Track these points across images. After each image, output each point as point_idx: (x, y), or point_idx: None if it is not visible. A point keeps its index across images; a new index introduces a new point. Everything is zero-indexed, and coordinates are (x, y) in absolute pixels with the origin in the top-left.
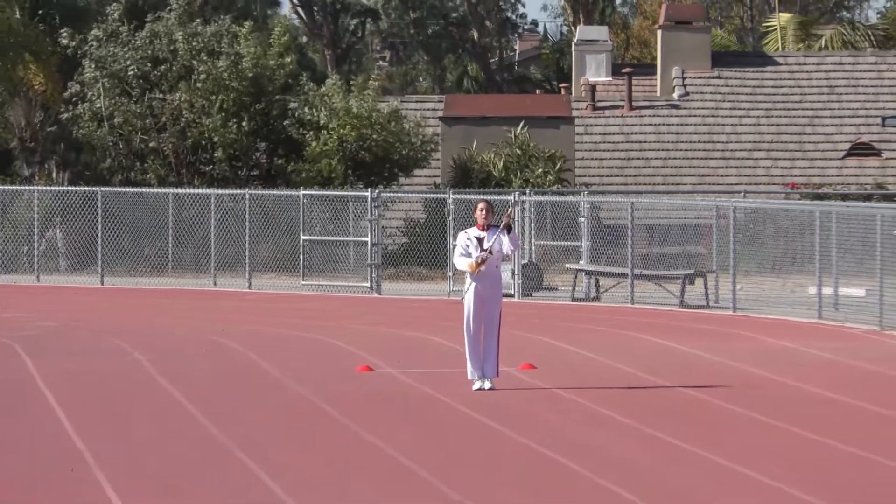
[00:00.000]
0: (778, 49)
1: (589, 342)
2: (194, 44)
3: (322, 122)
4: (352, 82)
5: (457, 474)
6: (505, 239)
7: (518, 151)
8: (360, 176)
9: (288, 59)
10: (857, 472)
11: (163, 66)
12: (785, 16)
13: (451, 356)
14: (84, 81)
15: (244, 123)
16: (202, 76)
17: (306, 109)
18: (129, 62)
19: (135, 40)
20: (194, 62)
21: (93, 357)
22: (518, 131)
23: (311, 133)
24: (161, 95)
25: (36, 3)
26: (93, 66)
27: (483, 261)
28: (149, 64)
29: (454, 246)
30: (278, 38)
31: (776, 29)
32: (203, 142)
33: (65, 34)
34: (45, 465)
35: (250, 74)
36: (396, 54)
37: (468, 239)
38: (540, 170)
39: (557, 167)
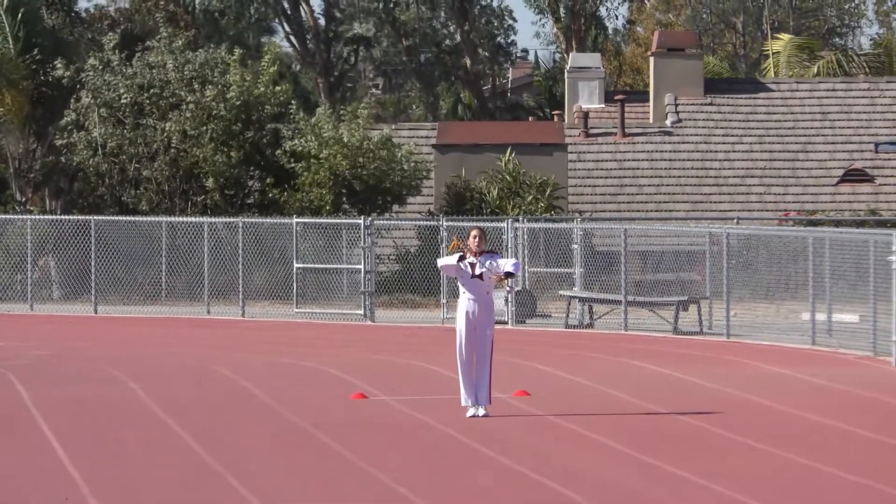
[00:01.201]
0: (779, 73)
1: (583, 369)
2: (185, 72)
3: (312, 152)
4: (342, 111)
5: (451, 501)
6: (502, 261)
7: (508, 178)
8: (353, 203)
9: (279, 88)
10: (851, 498)
11: (152, 92)
12: (785, 37)
13: (445, 383)
14: (79, 110)
15: (233, 153)
16: (191, 105)
17: (297, 140)
18: (122, 90)
19: (126, 69)
20: (183, 92)
21: (87, 385)
22: (506, 158)
23: (303, 163)
24: (153, 124)
25: (28, 36)
26: (89, 95)
27: (459, 249)
28: (141, 93)
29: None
30: (267, 67)
31: (775, 53)
32: (195, 171)
33: (59, 65)
34: (39, 493)
35: (238, 103)
36: (389, 82)
37: (462, 265)
38: (531, 197)
39: (548, 194)
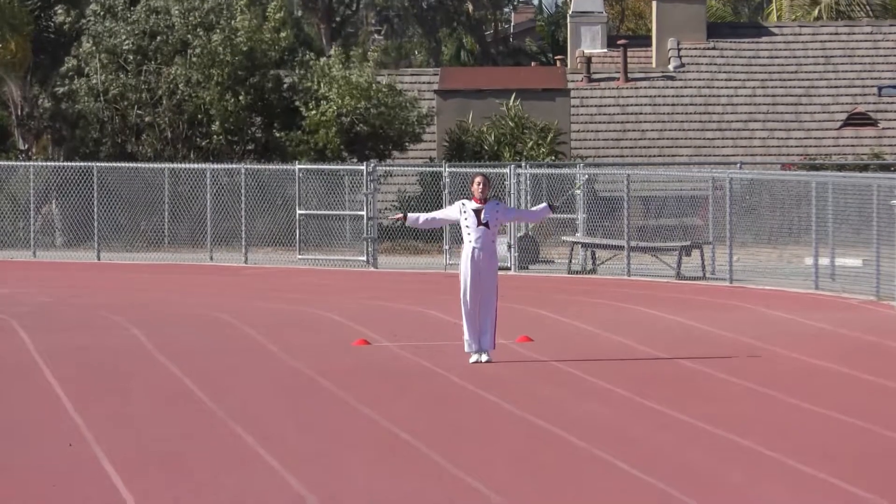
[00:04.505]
0: (782, 17)
1: (586, 314)
2: (190, 18)
3: (321, 91)
4: (351, 54)
5: (454, 447)
6: (510, 212)
7: (511, 124)
8: (355, 150)
9: (283, 34)
10: (853, 442)
11: (158, 39)
12: None
13: (448, 329)
14: (80, 56)
15: (240, 97)
16: (197, 50)
17: (307, 76)
18: (124, 36)
19: (131, 15)
20: (189, 36)
21: (90, 332)
22: (511, 103)
23: (311, 102)
24: (156, 69)
25: None
26: (90, 41)
27: (398, 219)
28: (145, 38)
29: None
30: (273, 13)
31: None
32: (199, 116)
33: (60, 11)
34: (43, 440)
35: (244, 48)
36: (391, 27)
37: (463, 210)
38: (532, 142)
39: (549, 139)
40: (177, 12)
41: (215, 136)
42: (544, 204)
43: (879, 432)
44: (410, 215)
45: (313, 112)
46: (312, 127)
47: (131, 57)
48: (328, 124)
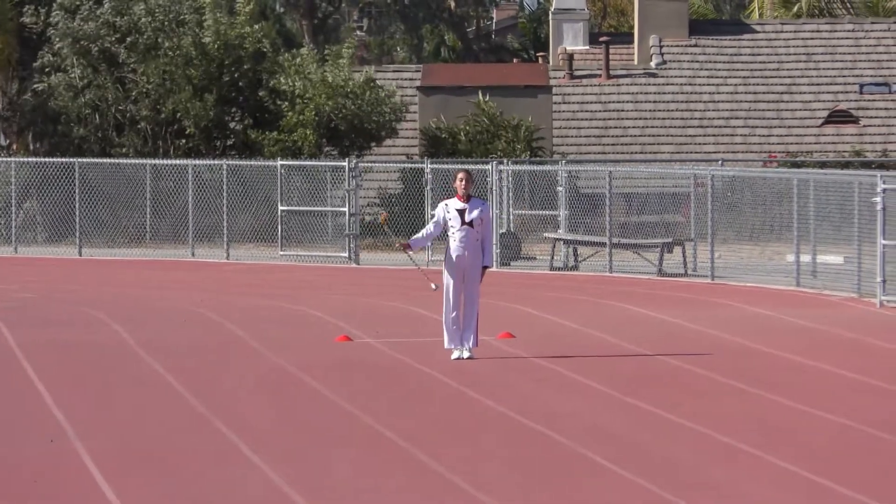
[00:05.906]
0: (763, 15)
1: (567, 311)
2: (158, 16)
3: (298, 92)
4: (326, 52)
5: (436, 443)
6: (486, 218)
7: (486, 121)
8: (335, 145)
9: (257, 26)
10: (835, 439)
11: (129, 40)
12: None
13: (430, 325)
14: (56, 52)
15: (210, 96)
16: (168, 53)
17: (281, 80)
18: (92, 38)
19: (96, 17)
20: (159, 38)
21: (72, 328)
22: (482, 101)
23: (286, 104)
24: (130, 69)
25: None
26: (62, 38)
27: (405, 246)
28: (114, 38)
29: (432, 216)
30: (243, 6)
31: None
32: (177, 114)
33: (29, 12)
34: (24, 436)
35: (215, 45)
36: (374, 24)
37: (447, 211)
38: (504, 137)
39: (523, 134)
40: (142, 10)
41: (191, 137)
42: (489, 264)
43: (861, 429)
44: (413, 240)
45: (290, 114)
46: (290, 127)
47: (102, 56)
48: (307, 123)
